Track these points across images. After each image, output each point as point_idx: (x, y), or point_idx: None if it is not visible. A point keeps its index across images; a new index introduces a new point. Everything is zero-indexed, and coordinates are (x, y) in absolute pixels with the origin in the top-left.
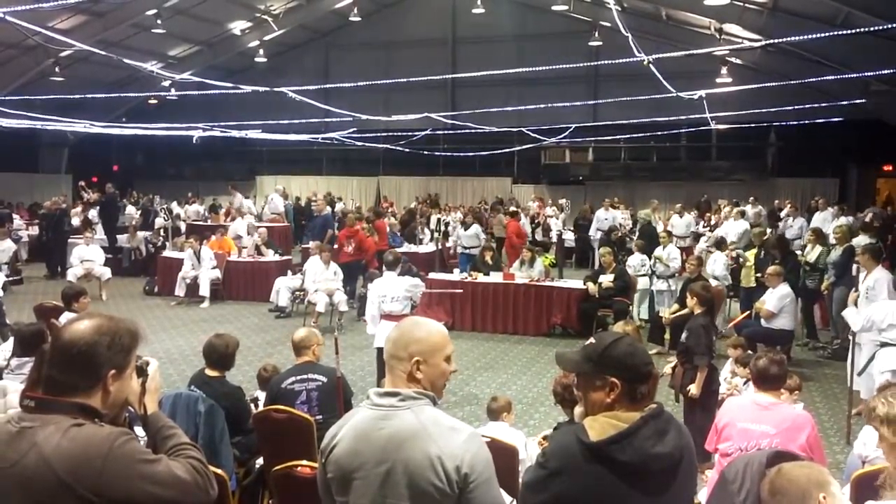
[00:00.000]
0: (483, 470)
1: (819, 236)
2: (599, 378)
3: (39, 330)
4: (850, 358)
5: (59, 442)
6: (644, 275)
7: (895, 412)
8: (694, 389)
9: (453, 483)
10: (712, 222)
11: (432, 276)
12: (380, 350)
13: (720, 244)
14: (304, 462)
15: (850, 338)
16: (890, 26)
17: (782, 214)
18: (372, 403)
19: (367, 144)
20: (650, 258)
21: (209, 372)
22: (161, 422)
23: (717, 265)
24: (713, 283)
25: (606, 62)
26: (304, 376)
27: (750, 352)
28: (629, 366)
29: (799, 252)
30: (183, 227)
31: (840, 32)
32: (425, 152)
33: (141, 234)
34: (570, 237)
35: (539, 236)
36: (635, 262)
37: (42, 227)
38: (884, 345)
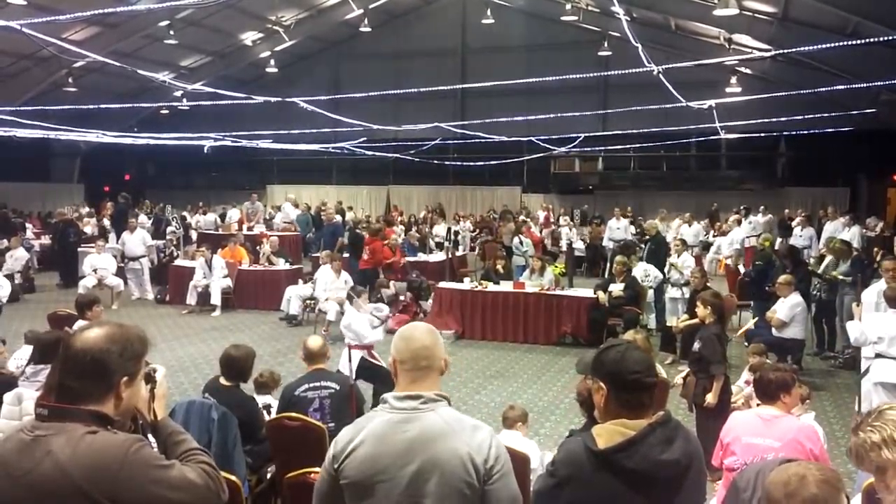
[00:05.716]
0: (504, 462)
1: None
2: (594, 381)
3: (58, 337)
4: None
5: (76, 449)
6: (651, 286)
7: (889, 432)
8: (710, 398)
9: (481, 477)
10: (723, 229)
11: (442, 285)
12: None
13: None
14: (317, 469)
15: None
16: None
17: (793, 224)
18: (391, 407)
19: (377, 154)
20: (662, 268)
21: (223, 381)
22: (170, 428)
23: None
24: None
25: (616, 72)
26: (318, 384)
27: (768, 361)
28: (612, 371)
29: (813, 261)
30: (194, 235)
31: (850, 42)
32: (435, 162)
33: (152, 243)
34: (580, 246)
35: (549, 245)
36: (639, 272)
37: (53, 237)
38: (877, 356)
